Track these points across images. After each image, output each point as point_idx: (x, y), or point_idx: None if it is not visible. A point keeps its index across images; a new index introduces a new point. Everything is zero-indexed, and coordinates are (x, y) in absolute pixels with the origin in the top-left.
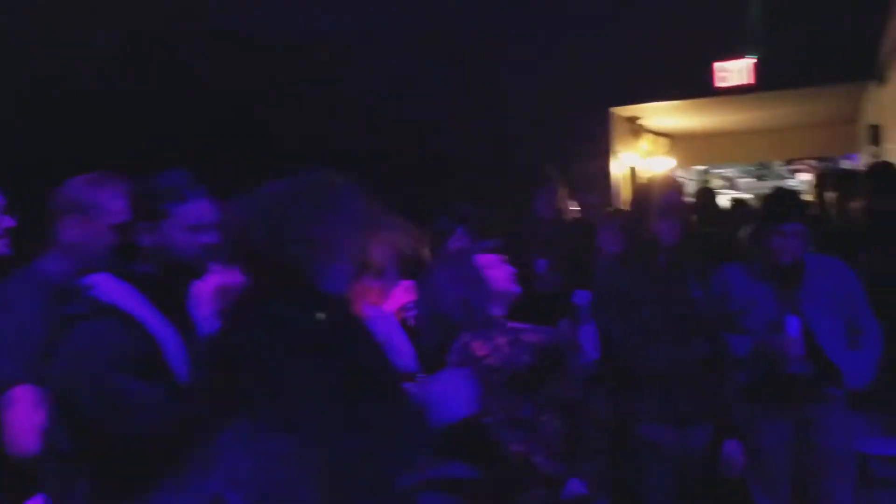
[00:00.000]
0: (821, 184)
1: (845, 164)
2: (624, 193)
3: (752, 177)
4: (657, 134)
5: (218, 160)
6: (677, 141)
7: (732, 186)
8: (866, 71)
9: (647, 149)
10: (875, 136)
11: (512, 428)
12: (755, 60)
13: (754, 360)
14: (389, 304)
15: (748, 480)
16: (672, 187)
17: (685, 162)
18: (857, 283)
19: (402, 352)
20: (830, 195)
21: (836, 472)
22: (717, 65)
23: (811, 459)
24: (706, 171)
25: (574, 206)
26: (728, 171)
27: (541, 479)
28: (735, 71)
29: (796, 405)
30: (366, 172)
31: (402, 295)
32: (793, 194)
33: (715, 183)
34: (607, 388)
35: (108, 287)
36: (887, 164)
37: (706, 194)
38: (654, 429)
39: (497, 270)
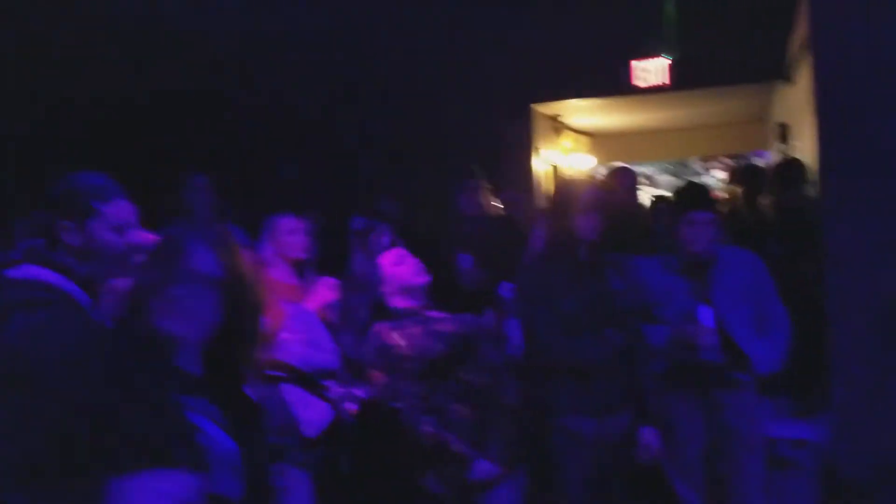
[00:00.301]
0: (732, 180)
1: (757, 161)
2: (546, 190)
3: (671, 174)
4: (578, 132)
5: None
6: (598, 139)
7: (652, 183)
8: (775, 71)
9: (569, 146)
10: (783, 134)
11: (424, 413)
12: (671, 60)
13: (669, 349)
14: (311, 301)
15: (665, 465)
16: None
17: (606, 159)
18: (766, 274)
19: (325, 349)
20: (741, 191)
21: (746, 454)
22: (634, 64)
23: (723, 442)
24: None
25: (497, 203)
26: (647, 169)
27: (451, 457)
28: (652, 70)
29: (709, 391)
30: (281, 171)
31: (324, 292)
32: (702, 187)
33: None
34: (524, 377)
35: (52, 278)
36: (793, 161)
37: None
38: (573, 419)
39: (400, 266)
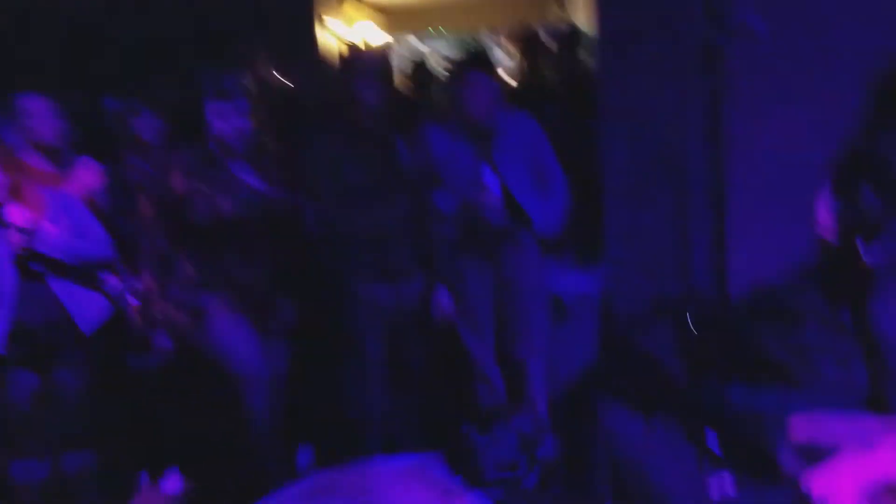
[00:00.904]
0: (516, 47)
1: (540, 31)
2: (331, 60)
3: (461, 48)
4: (365, 3)
5: None
6: (386, 9)
7: (441, 55)
8: None
9: (353, 16)
10: (562, 2)
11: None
12: None
13: (457, 212)
14: (71, 187)
15: (457, 325)
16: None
17: (394, 30)
18: (545, 137)
19: (92, 237)
20: (522, 58)
21: (532, 309)
22: None
23: (510, 299)
24: (416, 41)
25: (279, 77)
26: (438, 43)
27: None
28: None
29: (495, 251)
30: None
31: (85, 176)
32: (480, 53)
33: (423, 50)
34: (316, 248)
35: None
36: (570, 27)
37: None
38: (367, 286)
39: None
